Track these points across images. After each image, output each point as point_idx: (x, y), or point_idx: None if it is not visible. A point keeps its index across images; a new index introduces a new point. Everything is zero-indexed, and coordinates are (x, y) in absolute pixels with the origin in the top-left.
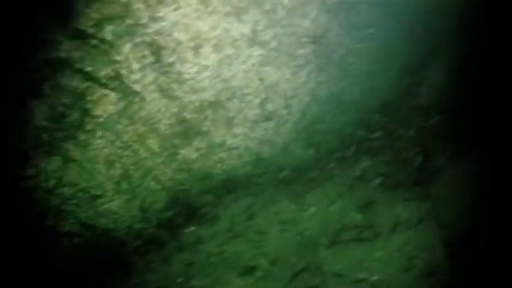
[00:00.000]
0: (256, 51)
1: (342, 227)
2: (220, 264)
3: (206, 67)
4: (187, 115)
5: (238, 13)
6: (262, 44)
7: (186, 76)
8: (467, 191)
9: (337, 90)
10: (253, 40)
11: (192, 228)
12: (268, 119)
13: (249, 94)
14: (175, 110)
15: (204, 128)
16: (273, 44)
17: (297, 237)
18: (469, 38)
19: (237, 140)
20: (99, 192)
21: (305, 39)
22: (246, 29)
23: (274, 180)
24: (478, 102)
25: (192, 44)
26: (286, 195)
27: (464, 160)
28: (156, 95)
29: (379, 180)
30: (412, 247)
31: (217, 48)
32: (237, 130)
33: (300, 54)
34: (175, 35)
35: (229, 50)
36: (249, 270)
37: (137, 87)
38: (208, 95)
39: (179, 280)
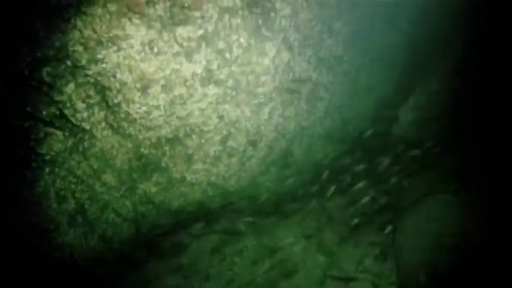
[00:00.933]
0: (212, 90)
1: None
2: None
3: (156, 107)
4: (144, 151)
5: (188, 53)
6: (217, 83)
7: (136, 116)
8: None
9: (307, 124)
10: (207, 79)
11: (154, 262)
12: (231, 155)
13: (208, 131)
14: (130, 145)
15: (163, 164)
16: (230, 82)
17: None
18: (445, 74)
19: (199, 175)
20: (51, 227)
21: (265, 78)
22: (198, 69)
23: (243, 214)
24: (454, 139)
25: (138, 85)
26: (255, 230)
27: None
28: (107, 132)
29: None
30: None
31: (166, 88)
32: (198, 166)
33: (261, 92)
34: (119, 76)
35: (180, 90)
36: None
37: (85, 125)
38: (164, 132)
39: None
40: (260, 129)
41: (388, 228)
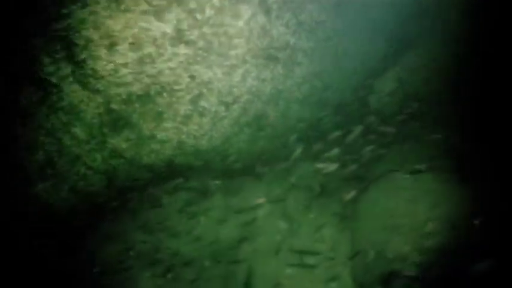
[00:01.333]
0: (183, 50)
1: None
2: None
3: (124, 65)
4: (115, 106)
5: (157, 12)
6: (188, 43)
7: (103, 72)
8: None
9: (283, 87)
10: (178, 39)
11: (124, 216)
12: (202, 114)
13: (179, 90)
14: (100, 100)
15: (133, 120)
16: (201, 43)
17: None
18: (432, 49)
19: (169, 133)
20: (21, 177)
21: (238, 40)
22: (168, 28)
23: (213, 174)
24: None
25: (105, 42)
26: (224, 190)
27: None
28: (75, 87)
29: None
30: None
31: (135, 46)
32: (168, 124)
33: (233, 54)
34: (84, 32)
35: (149, 49)
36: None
37: (53, 79)
38: (135, 89)
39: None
40: (233, 91)
41: (348, 197)
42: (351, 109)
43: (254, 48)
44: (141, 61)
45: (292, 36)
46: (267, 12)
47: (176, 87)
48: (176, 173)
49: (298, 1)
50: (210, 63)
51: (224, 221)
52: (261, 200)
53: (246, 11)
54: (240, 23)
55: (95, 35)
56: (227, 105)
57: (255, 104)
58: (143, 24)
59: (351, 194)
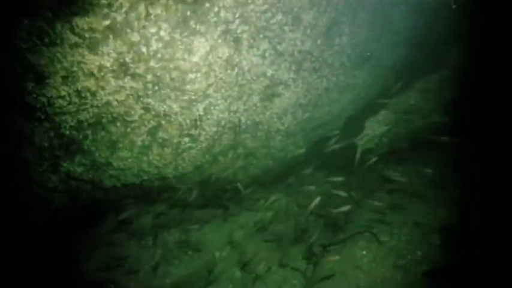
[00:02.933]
0: (129, 84)
1: None
2: None
3: (61, 97)
4: (65, 131)
5: (91, 44)
6: (135, 77)
7: (38, 104)
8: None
9: (262, 119)
10: (121, 72)
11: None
12: (163, 145)
13: (132, 121)
14: (48, 126)
15: (85, 147)
16: (150, 77)
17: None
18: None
19: (127, 162)
20: None
21: (194, 75)
22: (106, 62)
23: (178, 202)
24: None
25: (31, 75)
26: (186, 221)
27: None
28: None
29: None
30: None
31: (69, 80)
32: (123, 153)
33: (190, 89)
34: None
35: (87, 82)
36: None
37: None
38: (84, 117)
39: None
40: (196, 123)
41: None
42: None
43: (218, 82)
44: (79, 93)
45: (269, 68)
46: (235, 43)
47: (129, 119)
48: (144, 196)
49: (277, 30)
50: (164, 97)
51: (179, 258)
52: (221, 241)
53: (202, 44)
54: (195, 58)
55: (19, 70)
56: (192, 137)
57: (227, 135)
58: (75, 57)
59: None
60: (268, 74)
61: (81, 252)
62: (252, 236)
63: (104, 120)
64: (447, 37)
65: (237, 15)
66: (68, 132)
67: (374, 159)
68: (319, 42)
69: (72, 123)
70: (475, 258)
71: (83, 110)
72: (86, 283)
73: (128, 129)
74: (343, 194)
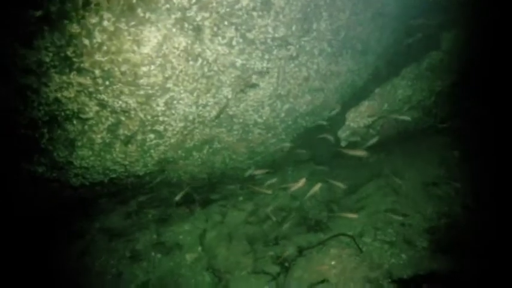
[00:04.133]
0: (76, 79)
1: None
2: None
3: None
4: (19, 130)
5: (24, 37)
6: (81, 72)
7: None
8: None
9: (235, 112)
10: (64, 67)
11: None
12: (127, 142)
13: (88, 118)
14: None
15: (42, 146)
16: (98, 72)
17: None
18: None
19: (89, 161)
20: None
21: (147, 68)
22: (44, 56)
23: (154, 200)
24: None
25: None
26: (159, 220)
27: None
28: None
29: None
30: None
31: (4, 77)
32: (84, 152)
33: (146, 83)
34: None
35: (26, 79)
36: None
37: None
38: (36, 116)
39: None
40: (159, 119)
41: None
42: (316, 141)
43: (178, 74)
44: (20, 91)
45: (238, 57)
46: (195, 31)
47: (84, 116)
48: (114, 194)
49: (244, 16)
50: (118, 92)
51: (147, 259)
52: (191, 242)
53: (152, 34)
54: (146, 49)
55: None
56: (158, 133)
57: (198, 130)
58: (7, 51)
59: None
60: (238, 64)
61: (49, 253)
62: (225, 238)
63: (59, 118)
64: (439, 19)
65: (193, 1)
66: (22, 131)
67: (362, 153)
68: (294, 28)
69: (23, 122)
70: (465, 262)
71: (31, 108)
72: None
73: (86, 127)
74: (327, 191)
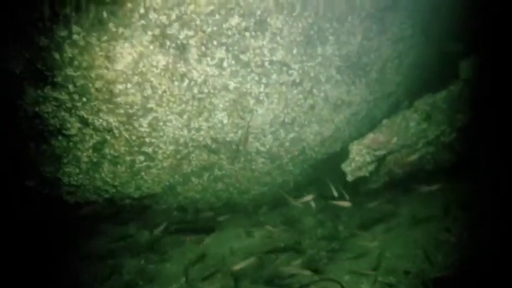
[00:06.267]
0: (50, 93)
1: None
2: None
3: None
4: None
5: None
6: (55, 86)
7: None
8: None
9: (235, 138)
10: (35, 80)
11: None
12: (115, 163)
13: (72, 135)
14: None
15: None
16: (72, 87)
17: None
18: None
19: (78, 178)
20: None
21: (123, 85)
22: (15, 68)
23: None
24: None
25: None
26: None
27: None
28: None
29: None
30: None
31: None
32: (71, 169)
33: (126, 101)
34: None
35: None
36: None
37: None
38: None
39: None
40: (145, 140)
41: None
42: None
43: (161, 94)
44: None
45: (231, 80)
46: (177, 50)
47: (67, 133)
48: (112, 216)
49: (236, 36)
50: (96, 109)
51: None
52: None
53: (127, 50)
54: (119, 66)
55: None
56: (147, 155)
57: (194, 154)
58: None
59: None
60: (231, 87)
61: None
62: (211, 271)
63: (44, 133)
64: (459, 44)
65: (173, 18)
66: (10, 144)
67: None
68: (295, 51)
69: (11, 134)
70: None
71: (16, 120)
72: None
73: (71, 144)
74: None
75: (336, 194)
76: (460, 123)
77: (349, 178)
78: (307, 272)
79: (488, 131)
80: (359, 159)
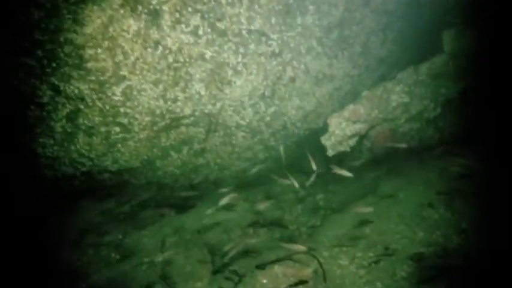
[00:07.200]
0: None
1: None
2: None
3: None
4: None
5: None
6: (25, 53)
7: None
8: None
9: (213, 110)
10: None
11: None
12: (90, 134)
13: (44, 104)
14: None
15: None
16: (41, 53)
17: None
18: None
19: (53, 150)
20: None
21: (94, 50)
22: None
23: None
24: None
25: None
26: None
27: None
28: None
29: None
30: None
31: None
32: (45, 140)
33: (99, 67)
34: None
35: None
36: None
37: None
38: None
39: None
40: (120, 110)
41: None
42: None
43: (134, 61)
44: None
45: (207, 48)
46: (150, 15)
47: (39, 100)
48: (92, 190)
49: (212, 4)
50: (67, 76)
51: (104, 262)
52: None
53: (95, 13)
54: (88, 30)
55: None
56: (123, 126)
57: (172, 127)
58: None
59: None
60: (208, 57)
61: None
62: (188, 245)
63: (13, 101)
64: (443, 17)
65: None
66: None
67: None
68: (273, 21)
69: None
70: None
71: None
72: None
73: (44, 113)
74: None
75: (315, 167)
76: (444, 98)
77: (330, 153)
78: (286, 246)
79: (474, 107)
80: (339, 132)
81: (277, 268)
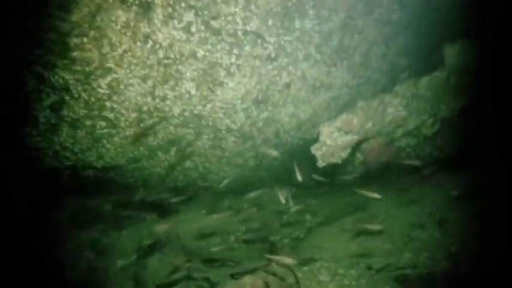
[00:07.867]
0: None
1: None
2: None
3: None
4: None
5: None
6: None
7: None
8: None
9: (204, 112)
10: None
11: None
12: (73, 126)
13: (29, 93)
14: None
15: None
16: (26, 39)
17: None
18: None
19: (35, 140)
20: None
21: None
22: None
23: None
24: None
25: None
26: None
27: None
28: None
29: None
30: None
31: None
32: (28, 129)
33: (85, 57)
34: None
35: None
36: None
37: None
38: None
39: None
40: (105, 104)
41: None
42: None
43: (121, 53)
44: None
45: (200, 46)
46: (141, 8)
47: (21, 89)
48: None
49: (206, 0)
50: (49, 63)
51: (78, 260)
52: None
53: (83, 0)
54: (74, 17)
55: None
56: (109, 121)
57: (160, 126)
58: None
59: None
60: (200, 55)
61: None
62: (164, 249)
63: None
64: (447, 30)
65: None
66: None
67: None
68: (270, 23)
69: None
70: None
71: None
72: None
73: (28, 103)
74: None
75: (300, 178)
76: (443, 114)
77: (320, 164)
78: (270, 257)
79: (475, 126)
80: (330, 142)
81: (247, 279)
